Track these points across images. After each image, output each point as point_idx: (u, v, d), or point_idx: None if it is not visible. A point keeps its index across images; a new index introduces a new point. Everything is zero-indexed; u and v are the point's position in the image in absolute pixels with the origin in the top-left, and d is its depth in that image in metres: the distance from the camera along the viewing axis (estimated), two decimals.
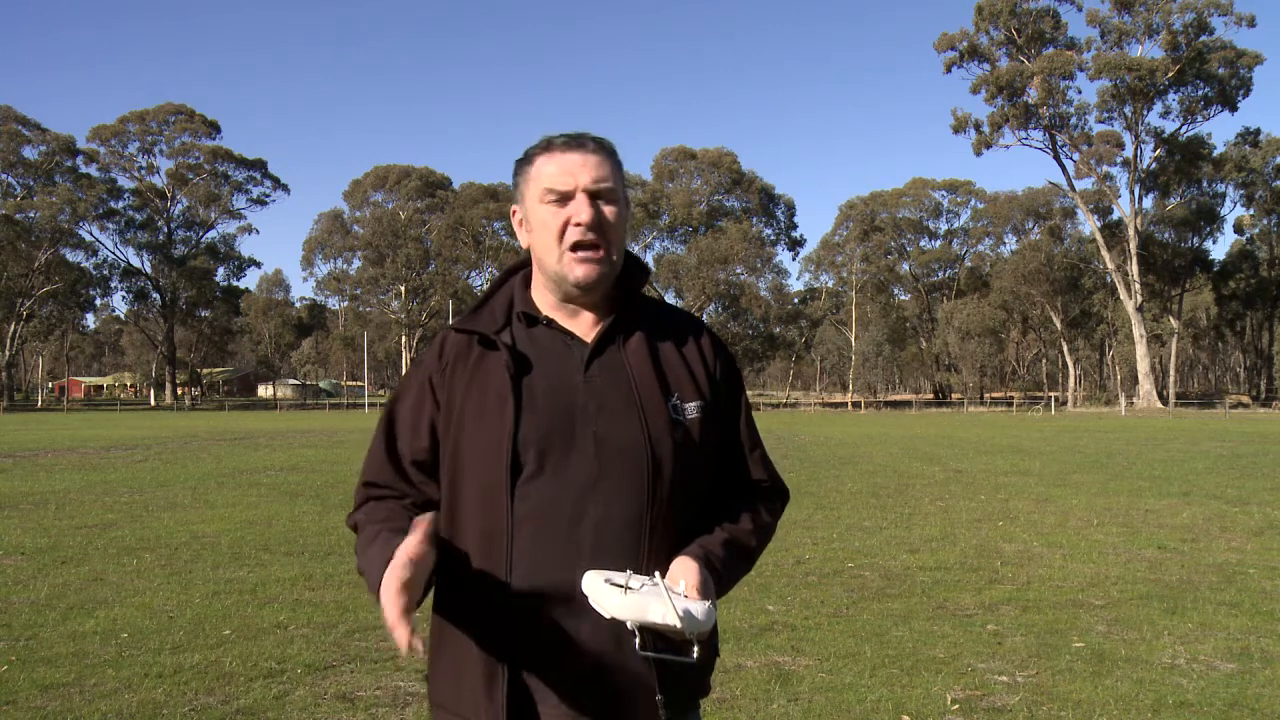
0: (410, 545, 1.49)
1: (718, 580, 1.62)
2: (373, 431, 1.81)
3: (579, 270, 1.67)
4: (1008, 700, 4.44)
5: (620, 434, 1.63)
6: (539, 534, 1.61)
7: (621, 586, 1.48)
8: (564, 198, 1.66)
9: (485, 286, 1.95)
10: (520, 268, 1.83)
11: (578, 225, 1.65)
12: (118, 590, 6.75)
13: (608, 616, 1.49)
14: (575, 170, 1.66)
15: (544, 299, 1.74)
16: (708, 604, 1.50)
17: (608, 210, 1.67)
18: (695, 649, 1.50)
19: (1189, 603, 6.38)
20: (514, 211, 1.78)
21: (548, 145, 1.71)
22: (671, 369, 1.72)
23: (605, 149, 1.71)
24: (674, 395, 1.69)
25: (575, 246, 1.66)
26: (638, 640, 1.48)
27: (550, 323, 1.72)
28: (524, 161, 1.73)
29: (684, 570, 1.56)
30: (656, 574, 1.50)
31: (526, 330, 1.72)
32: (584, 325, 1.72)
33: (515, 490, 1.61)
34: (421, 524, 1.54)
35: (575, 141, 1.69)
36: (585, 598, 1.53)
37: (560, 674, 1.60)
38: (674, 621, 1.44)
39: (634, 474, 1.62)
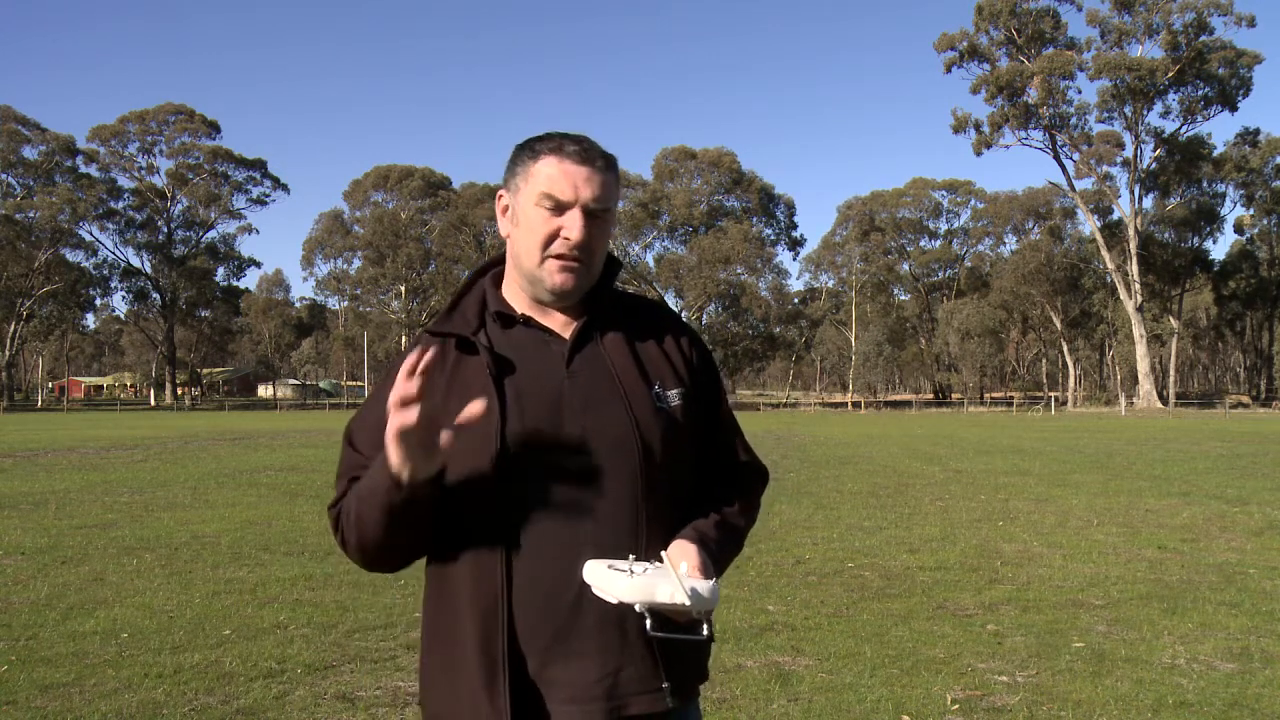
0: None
1: (714, 561, 1.64)
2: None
3: (558, 278, 1.66)
4: (1008, 700, 4.44)
5: (609, 426, 1.64)
6: (535, 532, 1.61)
7: (626, 571, 1.50)
8: (561, 207, 1.64)
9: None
10: (489, 268, 1.81)
11: (567, 240, 1.64)
12: (118, 590, 6.75)
13: (614, 601, 1.50)
14: (580, 184, 1.64)
15: (517, 297, 1.73)
16: (712, 582, 1.53)
17: (598, 232, 1.67)
18: (705, 626, 1.53)
19: (1189, 603, 6.38)
20: (500, 196, 1.74)
21: (559, 148, 1.66)
22: (651, 359, 1.73)
23: (612, 168, 1.69)
24: (656, 384, 1.71)
25: (558, 257, 1.66)
26: (649, 622, 1.50)
27: (527, 320, 1.71)
28: (528, 153, 1.69)
29: (683, 552, 1.58)
30: (663, 554, 1.54)
31: (503, 330, 1.71)
32: (560, 321, 1.72)
33: (507, 490, 1.61)
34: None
35: (587, 154, 1.66)
36: (587, 589, 1.54)
37: (564, 668, 1.60)
38: (683, 600, 1.46)
39: (626, 464, 1.63)
